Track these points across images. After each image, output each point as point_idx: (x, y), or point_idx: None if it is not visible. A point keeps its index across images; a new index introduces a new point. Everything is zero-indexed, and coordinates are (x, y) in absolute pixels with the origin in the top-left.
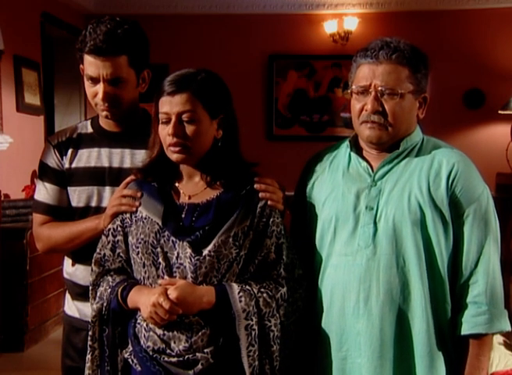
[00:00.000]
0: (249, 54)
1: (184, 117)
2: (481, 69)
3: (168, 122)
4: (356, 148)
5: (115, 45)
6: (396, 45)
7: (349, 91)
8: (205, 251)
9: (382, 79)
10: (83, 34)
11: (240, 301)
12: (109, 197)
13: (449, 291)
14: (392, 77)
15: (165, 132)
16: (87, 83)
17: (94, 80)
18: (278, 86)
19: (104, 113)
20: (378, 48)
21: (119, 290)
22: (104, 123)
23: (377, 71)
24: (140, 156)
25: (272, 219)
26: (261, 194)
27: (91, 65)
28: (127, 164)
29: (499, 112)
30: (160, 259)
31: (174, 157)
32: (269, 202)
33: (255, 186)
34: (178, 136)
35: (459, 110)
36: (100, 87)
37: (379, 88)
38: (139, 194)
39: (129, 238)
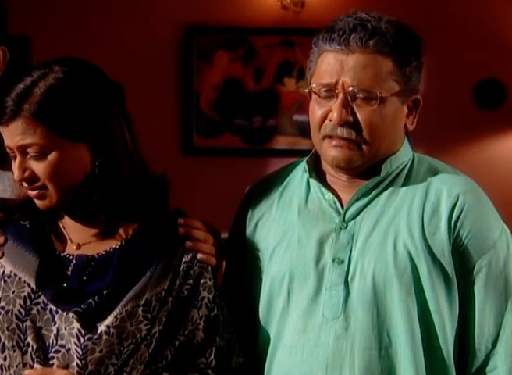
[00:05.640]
0: (156, 25)
1: (29, 151)
2: (500, 51)
3: (16, 157)
4: (317, 172)
5: None
6: (375, 25)
7: (307, 90)
8: (102, 327)
9: (353, 75)
10: None
11: None
12: None
13: None
14: (368, 73)
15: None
16: None
17: None
18: (200, 74)
19: None
20: (350, 30)
21: None
22: None
23: (347, 63)
24: None
25: (202, 281)
26: (187, 244)
27: None
28: None
29: None
30: (29, 339)
31: (37, 203)
32: (199, 255)
33: (180, 231)
34: (26, 179)
35: (467, 111)
36: None
37: (350, 89)
38: (1, 240)
39: None
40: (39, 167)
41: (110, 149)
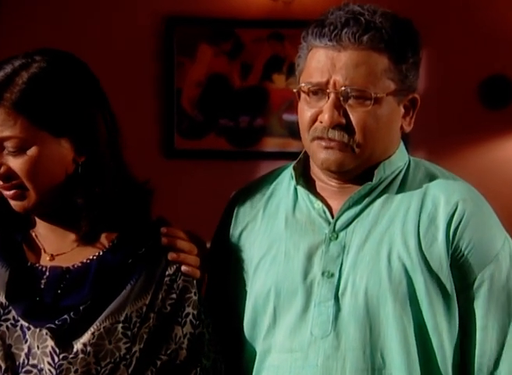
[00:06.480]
0: (132, 16)
1: (7, 145)
2: (507, 45)
3: None
4: (305, 178)
5: None
6: (368, 19)
7: (295, 90)
8: (78, 346)
9: (346, 74)
10: None
11: None
12: None
13: None
14: (361, 71)
15: None
16: None
17: None
18: (181, 69)
19: None
20: (341, 24)
21: None
22: None
23: (338, 61)
24: None
25: (186, 296)
26: (170, 255)
27: None
28: None
29: None
30: None
31: (13, 205)
32: (183, 268)
33: (163, 241)
34: (1, 177)
35: (471, 110)
36: None
37: (342, 88)
38: None
39: None
40: (17, 163)
41: (94, 146)
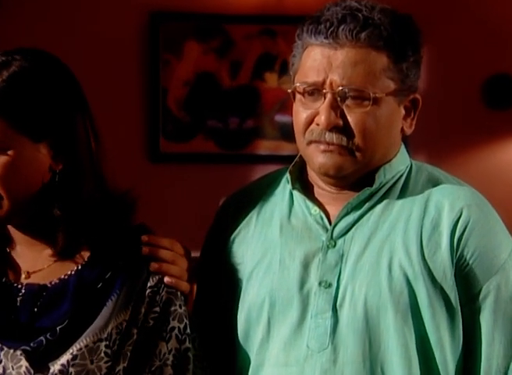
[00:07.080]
0: (115, 12)
1: None
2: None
3: None
4: (302, 183)
5: None
6: (367, 16)
7: (290, 90)
8: (55, 367)
9: (343, 73)
10: None
11: None
12: None
13: None
14: (359, 70)
15: None
16: None
17: None
18: (167, 67)
19: None
20: (338, 21)
21: None
22: None
23: (335, 59)
24: None
25: (171, 309)
26: (152, 265)
27: None
28: None
29: None
30: None
31: None
32: (166, 279)
33: (143, 250)
34: None
35: (474, 111)
36: None
37: (339, 88)
38: None
39: None
40: None
41: (73, 153)
